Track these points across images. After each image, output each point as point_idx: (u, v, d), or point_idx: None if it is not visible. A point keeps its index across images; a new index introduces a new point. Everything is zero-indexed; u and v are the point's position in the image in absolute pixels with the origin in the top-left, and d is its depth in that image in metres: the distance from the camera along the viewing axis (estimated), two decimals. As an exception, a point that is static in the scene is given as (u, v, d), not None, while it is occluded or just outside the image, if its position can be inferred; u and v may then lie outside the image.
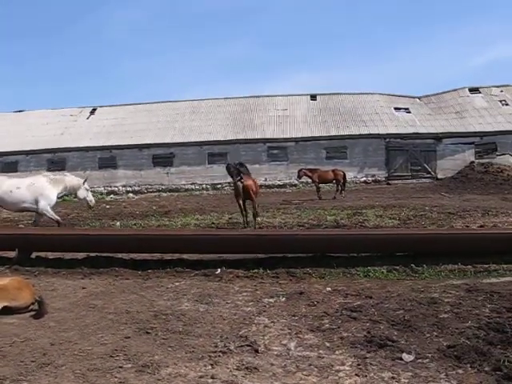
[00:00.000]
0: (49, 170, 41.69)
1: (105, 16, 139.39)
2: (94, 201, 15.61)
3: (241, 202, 15.98)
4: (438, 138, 40.77)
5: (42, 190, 13.98)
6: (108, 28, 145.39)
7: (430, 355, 4.96)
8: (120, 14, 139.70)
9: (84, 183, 14.89)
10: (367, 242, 9.59)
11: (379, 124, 42.34)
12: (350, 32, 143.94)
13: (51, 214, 14.08)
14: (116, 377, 4.61)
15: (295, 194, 34.33)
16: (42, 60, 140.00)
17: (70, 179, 14.79)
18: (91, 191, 15.66)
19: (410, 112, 44.10)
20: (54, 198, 14.20)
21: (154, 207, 25.97)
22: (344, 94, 47.95)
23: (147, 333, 5.87)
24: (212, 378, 4.54)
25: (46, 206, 13.93)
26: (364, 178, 41.15)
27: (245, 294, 7.73)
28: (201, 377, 4.58)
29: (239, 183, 15.86)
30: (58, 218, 14.28)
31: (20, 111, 53.63)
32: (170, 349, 5.31)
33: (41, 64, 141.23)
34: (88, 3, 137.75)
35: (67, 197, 19.24)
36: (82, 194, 14.85)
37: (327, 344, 5.37)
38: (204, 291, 7.91)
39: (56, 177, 14.59)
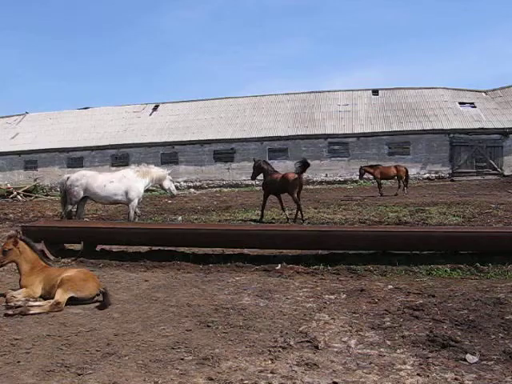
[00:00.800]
0: (113, 165, 42.85)
1: (166, 14, 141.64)
2: (176, 191, 16.01)
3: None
4: (504, 133, 39.45)
5: (132, 182, 14.42)
6: (169, 26, 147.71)
7: (495, 357, 4.83)
8: (180, 13, 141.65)
9: (168, 174, 15.36)
10: (430, 240, 9.39)
11: (443, 119, 41.33)
12: (411, 26, 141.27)
13: (135, 207, 14.50)
14: (177, 368, 4.69)
15: (356, 190, 33.94)
16: (107, 57, 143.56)
17: (156, 170, 15.21)
18: (153, 186, 16.00)
19: (475, 106, 42.82)
20: (141, 191, 14.71)
21: (215, 202, 26.21)
22: (407, 88, 47.02)
23: (208, 326, 5.94)
24: (272, 372, 4.55)
25: (134, 198, 14.38)
26: (427, 175, 40.28)
27: (305, 289, 7.72)
28: (260, 371, 4.60)
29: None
30: (134, 214, 14.63)
31: (85, 108, 55.14)
32: (230, 342, 5.36)
33: (105, 61, 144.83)
34: (150, 1, 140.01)
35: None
36: (166, 184, 15.37)
37: (388, 342, 5.30)
38: (264, 286, 7.94)
39: (143, 169, 14.97)
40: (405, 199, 23.76)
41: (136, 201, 14.47)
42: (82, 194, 14.14)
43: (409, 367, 4.64)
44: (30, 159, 48.55)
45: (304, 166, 16.89)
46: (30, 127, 53.13)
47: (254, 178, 19.23)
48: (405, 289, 7.58)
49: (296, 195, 16.77)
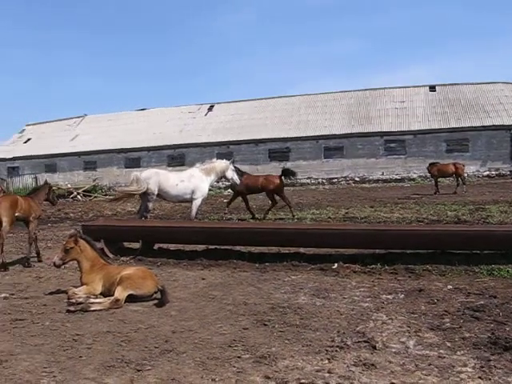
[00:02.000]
0: (169, 165, 43.45)
1: (219, 16, 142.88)
2: (238, 180, 16.10)
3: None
4: None
5: (199, 182, 14.60)
6: (222, 27, 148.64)
7: (561, 360, 4.66)
8: (231, 15, 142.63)
9: (231, 164, 15.52)
10: (491, 239, 9.12)
11: (503, 114, 40.14)
12: (468, 21, 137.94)
13: (198, 207, 14.68)
14: (234, 366, 4.71)
15: (414, 188, 33.36)
16: (163, 58, 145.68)
17: (218, 164, 15.34)
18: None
19: (537, 101, 41.44)
20: (206, 191, 14.92)
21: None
22: (465, 84, 45.89)
23: (264, 325, 5.95)
24: (329, 372, 4.52)
25: (199, 197, 14.57)
26: (487, 172, 39.21)
27: (362, 289, 7.64)
28: (317, 371, 4.57)
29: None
30: (195, 214, 14.80)
31: (142, 109, 56.16)
32: (287, 341, 5.35)
33: (162, 62, 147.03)
34: (202, 2, 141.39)
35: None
36: (229, 174, 15.48)
37: (448, 344, 5.18)
38: (321, 285, 7.90)
39: (207, 166, 15.11)
40: (464, 197, 23.24)
41: (200, 200, 14.63)
42: (156, 191, 14.28)
43: (470, 370, 4.52)
44: (89, 160, 49.82)
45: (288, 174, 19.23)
46: (88, 129, 54.50)
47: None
48: (465, 289, 7.40)
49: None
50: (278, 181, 18.59)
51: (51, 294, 7.84)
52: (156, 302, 7.05)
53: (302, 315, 6.31)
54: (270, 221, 16.75)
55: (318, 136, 42.72)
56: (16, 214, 10.36)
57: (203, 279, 8.63)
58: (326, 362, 4.77)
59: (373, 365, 4.64)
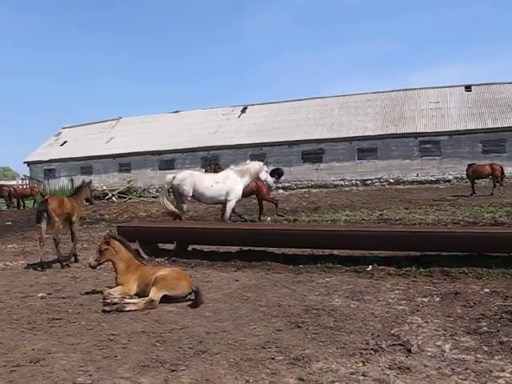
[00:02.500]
0: (203, 167, 43.60)
1: (252, 17, 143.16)
2: (272, 181, 16.11)
3: None
4: None
5: (233, 184, 14.68)
6: (256, 29, 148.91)
7: None
8: (265, 15, 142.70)
9: (264, 165, 15.49)
10: (529, 241, 8.93)
11: (542, 115, 39.30)
12: (505, 21, 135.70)
13: (231, 208, 14.75)
14: (268, 368, 4.71)
15: (449, 189, 32.91)
16: (197, 60, 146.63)
17: (252, 165, 15.36)
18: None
19: None
20: (241, 192, 14.94)
21: (304, 203, 26.17)
22: (502, 83, 44.95)
23: (298, 327, 5.93)
24: (363, 375, 4.49)
25: (233, 199, 14.64)
26: (526, 173, 38.43)
27: (397, 292, 7.56)
28: (352, 373, 4.54)
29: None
30: (229, 215, 14.85)
31: (176, 112, 56.62)
32: (321, 343, 5.33)
33: (195, 64, 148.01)
34: (233, 3, 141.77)
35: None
36: (263, 176, 15.52)
37: (485, 348, 5.09)
38: (355, 288, 7.84)
39: (241, 168, 15.17)
40: (501, 199, 22.80)
41: (234, 201, 14.68)
42: (191, 192, 14.39)
43: (507, 375, 4.43)
44: (123, 162, 50.39)
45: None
46: (123, 131, 55.13)
47: None
48: (502, 293, 7.27)
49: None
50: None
51: (87, 294, 7.96)
52: (190, 302, 7.09)
53: (336, 317, 6.28)
54: (304, 222, 16.69)
55: (351, 137, 42.45)
56: (63, 215, 10.71)
57: (237, 280, 8.66)
58: (361, 364, 4.73)
59: (408, 368, 4.59)
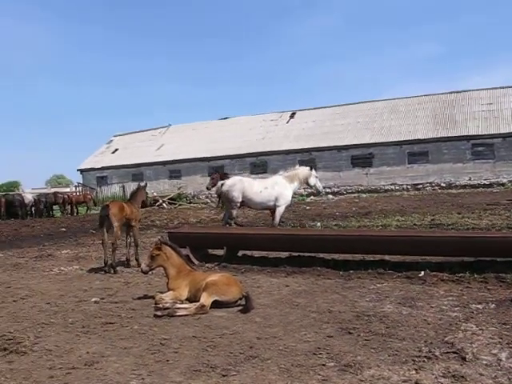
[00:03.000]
0: (252, 173, 43.80)
1: (301, 22, 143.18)
2: (322, 187, 16.05)
3: None
4: None
5: (282, 189, 14.71)
6: (304, 34, 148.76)
7: None
8: (313, 20, 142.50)
9: (312, 170, 15.44)
10: None
11: None
12: None
13: (281, 214, 14.76)
14: (319, 374, 4.68)
15: (503, 193, 32.08)
16: (246, 66, 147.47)
17: (301, 170, 15.37)
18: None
19: None
20: (290, 198, 14.94)
21: (354, 208, 25.95)
22: (559, 83, 43.64)
23: (349, 333, 5.87)
24: (416, 383, 4.40)
25: (282, 204, 14.66)
26: None
27: (450, 298, 7.40)
28: (404, 381, 4.46)
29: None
30: (278, 220, 14.85)
31: (225, 118, 57.06)
32: (372, 350, 5.26)
33: (244, 70, 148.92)
34: (282, 8, 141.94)
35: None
36: (312, 181, 15.48)
37: (544, 357, 4.93)
38: (407, 294, 7.72)
39: (290, 173, 15.18)
40: (559, 203, 22.10)
41: (283, 207, 14.67)
42: (240, 198, 14.48)
43: None
44: (173, 169, 51.05)
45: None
46: (173, 138, 55.91)
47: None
48: (561, 299, 7.04)
49: None
50: None
51: (139, 298, 8.08)
52: (240, 308, 7.11)
53: (387, 324, 6.19)
54: (354, 227, 16.54)
55: (401, 141, 41.91)
56: (123, 220, 10.98)
57: (287, 286, 8.64)
58: (414, 372, 4.65)
59: (463, 377, 4.48)
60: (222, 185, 14.78)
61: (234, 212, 14.64)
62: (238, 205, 14.63)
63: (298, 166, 15.84)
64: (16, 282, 10.22)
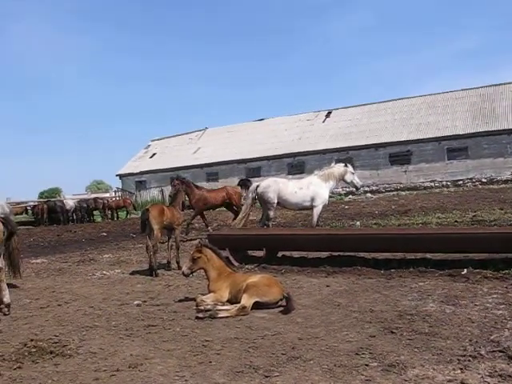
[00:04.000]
0: (289, 173, 43.73)
1: (334, 19, 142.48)
2: (360, 182, 15.85)
3: None
4: None
5: (318, 189, 14.65)
6: (338, 31, 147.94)
7: None
8: (349, 17, 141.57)
9: (348, 166, 15.31)
10: None
11: None
12: None
13: (318, 214, 14.70)
14: (362, 374, 4.65)
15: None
16: (278, 66, 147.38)
17: (337, 168, 15.21)
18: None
19: None
20: (327, 197, 14.86)
21: (393, 206, 25.69)
22: None
23: (392, 332, 5.82)
24: (462, 383, 4.34)
25: (319, 204, 14.60)
26: None
27: (495, 296, 7.27)
28: (450, 381, 4.39)
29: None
30: (316, 220, 14.79)
31: (260, 120, 57.09)
32: (416, 350, 5.20)
33: (276, 69, 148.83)
34: (318, 6, 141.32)
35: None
36: (349, 177, 15.29)
37: None
38: (450, 292, 7.61)
39: (325, 172, 15.06)
40: None
41: (320, 207, 14.60)
42: (276, 199, 14.50)
43: None
44: (210, 171, 51.30)
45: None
46: (209, 141, 56.22)
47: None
48: None
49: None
50: (240, 191, 18.70)
51: (180, 301, 8.15)
52: (281, 309, 7.12)
53: (431, 323, 6.11)
54: (394, 226, 16.38)
55: (440, 137, 41.24)
56: (163, 223, 11.10)
57: (328, 286, 8.61)
58: (459, 371, 4.58)
59: (510, 376, 4.40)
60: (258, 186, 14.82)
61: (271, 213, 14.67)
62: (275, 206, 14.64)
63: (333, 164, 15.70)
64: (60, 286, 10.42)
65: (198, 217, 20.24)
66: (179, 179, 18.06)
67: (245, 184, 20.06)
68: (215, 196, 19.26)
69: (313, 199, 14.45)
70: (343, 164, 15.43)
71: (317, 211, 14.53)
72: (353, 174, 15.35)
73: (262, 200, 14.68)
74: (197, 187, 19.25)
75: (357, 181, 15.45)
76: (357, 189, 16.32)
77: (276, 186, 14.54)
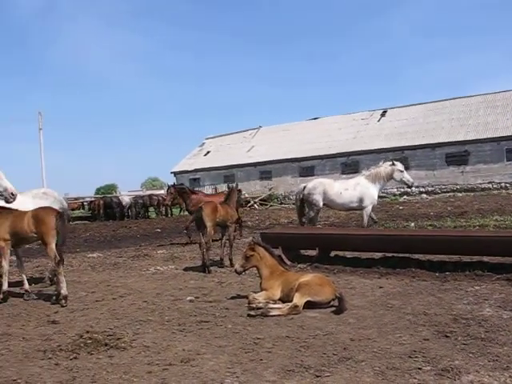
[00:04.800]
0: (343, 173, 43.46)
1: (390, 17, 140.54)
2: (411, 179, 15.48)
3: None
4: None
5: (365, 189, 14.51)
6: (394, 29, 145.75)
7: None
8: (406, 15, 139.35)
9: (395, 165, 14.94)
10: None
11: None
12: None
13: (369, 214, 14.58)
14: (415, 378, 4.57)
15: None
16: (332, 65, 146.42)
17: (384, 168, 14.88)
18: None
19: None
20: (375, 197, 14.70)
21: (449, 208, 25.21)
22: None
23: (446, 336, 5.71)
24: (519, 390, 4.23)
25: (368, 205, 14.47)
26: None
27: (555, 301, 7.05)
28: (506, 388, 4.29)
29: None
30: (369, 220, 14.66)
31: (314, 119, 56.89)
32: (471, 355, 5.08)
33: (331, 69, 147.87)
34: (375, 5, 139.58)
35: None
36: (397, 176, 14.91)
37: None
38: (508, 297, 7.41)
39: (372, 172, 14.84)
40: None
41: (370, 207, 14.44)
42: (321, 201, 14.49)
43: None
44: (264, 170, 51.45)
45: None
46: (263, 140, 56.36)
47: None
48: None
49: None
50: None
51: (232, 298, 8.21)
52: (333, 309, 7.08)
53: (487, 328, 5.96)
54: (450, 228, 16.06)
55: (499, 137, 40.18)
56: (216, 220, 11.20)
57: (381, 287, 8.51)
58: (516, 378, 4.46)
59: None
60: (304, 188, 14.82)
61: (314, 215, 14.68)
62: (320, 208, 14.65)
63: (381, 163, 15.38)
64: (115, 280, 10.65)
65: (251, 214, 20.31)
66: (174, 187, 17.98)
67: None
68: (213, 200, 18.64)
69: (361, 200, 14.32)
70: (390, 163, 15.10)
71: (366, 212, 14.37)
72: (401, 171, 14.86)
73: (307, 201, 14.68)
74: (193, 192, 18.82)
75: (407, 178, 15.02)
76: (409, 187, 15.91)
77: (322, 187, 14.51)
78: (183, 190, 18.10)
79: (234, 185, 13.52)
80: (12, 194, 9.00)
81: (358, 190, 14.36)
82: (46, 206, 9.45)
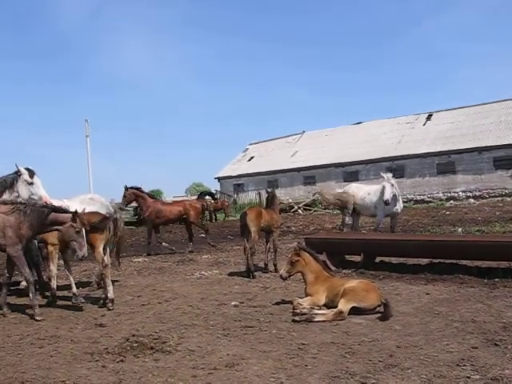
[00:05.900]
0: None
1: (435, 22, 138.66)
2: (387, 196, 14.46)
3: None
4: None
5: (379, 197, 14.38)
6: (439, 34, 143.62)
7: None
8: (449, 19, 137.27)
9: (383, 177, 14.39)
10: None
11: None
12: None
13: (379, 222, 14.45)
14: (463, 387, 4.49)
15: None
16: (377, 71, 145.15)
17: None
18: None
19: None
20: (401, 205, 14.56)
21: (497, 213, 24.66)
22: None
23: (496, 344, 5.58)
24: None
25: (381, 212, 14.34)
26: None
27: None
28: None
29: None
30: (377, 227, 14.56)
31: (358, 123, 56.43)
32: (522, 364, 4.96)
33: (376, 73, 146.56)
34: (419, 11, 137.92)
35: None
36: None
37: None
38: (560, 305, 7.21)
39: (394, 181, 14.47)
40: None
41: (382, 215, 14.30)
42: (352, 205, 14.49)
43: None
44: (308, 175, 51.26)
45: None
46: (307, 145, 56.19)
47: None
48: None
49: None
50: (199, 206, 17.81)
51: (277, 303, 8.21)
52: (379, 315, 7.01)
53: (538, 337, 5.81)
54: (498, 233, 15.71)
55: (550, 141, 39.09)
56: (261, 225, 11.25)
57: (427, 294, 8.38)
58: None
59: None
60: (337, 193, 14.97)
61: (347, 219, 14.83)
62: (350, 211, 14.70)
63: (382, 174, 14.78)
64: (160, 285, 10.77)
65: (295, 220, 20.30)
66: (133, 188, 17.29)
67: (204, 197, 20.67)
68: (171, 209, 17.52)
69: (375, 207, 14.25)
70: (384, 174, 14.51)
71: (377, 218, 14.38)
72: (391, 185, 14.11)
73: (339, 206, 14.83)
74: (152, 197, 18.12)
75: (387, 193, 13.92)
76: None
77: (351, 191, 14.63)
78: (140, 195, 17.32)
79: (270, 190, 13.43)
80: (46, 203, 9.16)
81: (377, 196, 14.23)
82: (93, 211, 9.64)
